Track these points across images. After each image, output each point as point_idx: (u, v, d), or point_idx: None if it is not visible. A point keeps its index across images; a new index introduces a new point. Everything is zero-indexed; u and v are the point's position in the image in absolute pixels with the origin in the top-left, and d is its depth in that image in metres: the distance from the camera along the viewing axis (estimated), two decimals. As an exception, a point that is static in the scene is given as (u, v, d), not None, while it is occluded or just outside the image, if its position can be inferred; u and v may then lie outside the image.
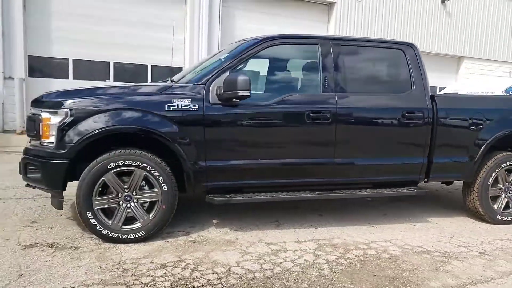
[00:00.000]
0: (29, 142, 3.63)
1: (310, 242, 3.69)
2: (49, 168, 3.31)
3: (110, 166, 3.32)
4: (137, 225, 3.46)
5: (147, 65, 11.22)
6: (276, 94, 3.80)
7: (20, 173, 3.63)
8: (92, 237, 3.51)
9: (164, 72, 11.25)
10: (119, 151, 3.35)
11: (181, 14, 11.49)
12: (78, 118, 3.29)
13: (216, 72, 3.61)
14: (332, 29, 13.55)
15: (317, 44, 3.93)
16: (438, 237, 4.03)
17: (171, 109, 3.44)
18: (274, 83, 4.23)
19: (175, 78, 4.26)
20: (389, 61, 4.29)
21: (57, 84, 9.34)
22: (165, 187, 3.44)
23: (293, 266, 3.18)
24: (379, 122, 4.00)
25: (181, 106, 3.46)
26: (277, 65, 4.20)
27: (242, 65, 3.74)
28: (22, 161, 3.52)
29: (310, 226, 4.12)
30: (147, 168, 3.39)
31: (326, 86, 3.83)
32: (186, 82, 3.75)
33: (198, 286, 2.78)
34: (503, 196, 4.55)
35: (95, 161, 3.30)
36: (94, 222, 3.34)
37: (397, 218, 4.57)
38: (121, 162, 3.34)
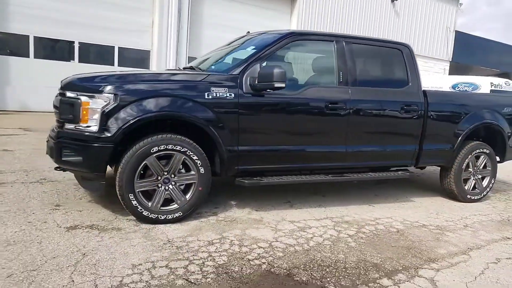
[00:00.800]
0: (59, 125, 3.63)
1: (327, 220, 4.12)
2: (93, 152, 3.37)
3: (153, 150, 3.46)
4: (174, 206, 3.65)
5: (114, 46, 10.92)
6: (298, 86, 4.13)
7: (52, 156, 3.64)
8: (127, 219, 3.65)
9: (132, 54, 11.06)
10: (161, 135, 3.50)
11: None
12: (124, 103, 3.38)
13: (249, 63, 3.86)
14: (294, 21, 14.06)
15: (333, 41, 4.33)
16: (427, 213, 4.66)
17: (210, 97, 3.65)
18: (295, 75, 4.55)
19: (193, 65, 4.42)
20: (389, 59, 4.79)
21: (16, 63, 8.84)
22: (202, 170, 3.66)
23: (323, 240, 3.58)
24: (383, 113, 4.51)
25: (219, 95, 3.68)
26: (298, 58, 4.52)
27: (270, 57, 4.01)
28: (56, 144, 3.51)
29: (319, 206, 4.55)
30: (187, 152, 3.58)
31: (341, 80, 4.25)
32: (217, 71, 3.96)
33: (251, 259, 3.09)
34: (472, 178, 5.30)
35: (138, 145, 3.43)
36: (136, 204, 3.48)
37: (387, 198, 5.16)
38: (164, 147, 3.50)
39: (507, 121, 5.38)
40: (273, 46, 4.02)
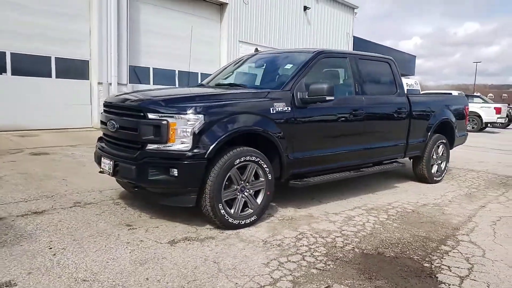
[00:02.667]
0: (136, 146, 3.75)
1: (358, 209, 4.88)
2: (188, 169, 3.60)
3: (236, 162, 3.83)
4: (249, 211, 4.05)
5: (50, 57, 10.19)
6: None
7: (129, 178, 3.75)
8: (207, 228, 3.94)
9: (70, 65, 10.48)
10: (240, 148, 3.88)
11: (84, 3, 10.77)
12: (211, 122, 3.69)
13: (296, 80, 4.42)
14: (225, 28, 14.61)
15: (346, 58, 5.10)
16: (417, 196, 5.72)
17: (274, 112, 4.13)
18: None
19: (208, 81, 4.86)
20: (382, 70, 5.72)
21: None
22: (269, 176, 4.13)
23: (373, 225, 4.33)
24: (385, 116, 5.44)
25: (280, 109, 4.18)
26: (326, 72, 5.15)
27: (308, 72, 4.61)
28: (142, 165, 3.64)
29: (339, 199, 5.28)
30: (259, 162, 4.02)
31: (357, 90, 5.04)
32: (269, 88, 4.44)
33: (342, 246, 3.68)
34: (435, 164, 6.58)
35: (223, 159, 3.76)
36: (223, 213, 3.81)
37: (379, 187, 6.13)
38: (243, 158, 3.88)
39: (455, 116, 6.76)
40: (310, 63, 4.63)
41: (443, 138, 6.57)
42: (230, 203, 3.92)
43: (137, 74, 12.19)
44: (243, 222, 3.96)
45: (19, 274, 2.82)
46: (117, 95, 4.49)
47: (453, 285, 3.00)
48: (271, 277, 3.00)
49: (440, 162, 6.66)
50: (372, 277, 3.08)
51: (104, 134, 4.42)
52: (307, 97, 4.33)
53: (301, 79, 4.43)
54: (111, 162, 3.96)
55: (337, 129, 4.84)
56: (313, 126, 4.55)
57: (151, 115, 3.69)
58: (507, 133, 19.79)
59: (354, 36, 21.84)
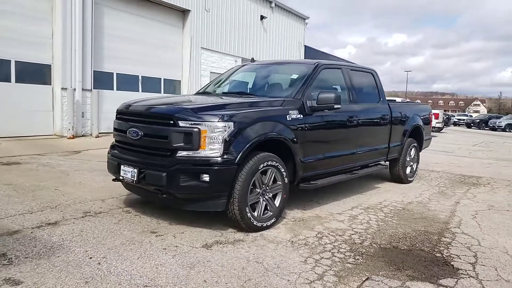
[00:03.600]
0: (164, 153, 3.81)
1: (356, 209, 5.24)
2: (220, 174, 3.73)
3: (260, 167, 4.02)
4: (269, 213, 4.24)
5: (10, 60, 9.59)
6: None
7: (162, 185, 3.79)
8: (231, 231, 4.08)
9: (31, 69, 9.96)
10: (263, 154, 4.08)
11: (46, 4, 10.28)
12: (240, 129, 3.85)
13: (305, 89, 4.70)
14: (187, 34, 14.60)
15: (340, 69, 5.48)
16: (400, 195, 6.23)
17: (289, 119, 4.38)
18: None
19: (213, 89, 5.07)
20: (368, 80, 6.17)
21: None
22: (286, 180, 4.36)
23: (376, 222, 4.71)
24: (373, 122, 5.89)
25: (294, 117, 4.44)
26: (324, 82, 5.46)
27: (313, 82, 4.91)
28: (173, 173, 3.71)
29: (334, 200, 5.63)
30: (278, 166, 4.24)
31: (351, 99, 5.44)
32: (281, 96, 4.67)
33: (360, 242, 4.00)
34: (408, 165, 7.17)
35: (249, 164, 3.93)
36: (250, 216, 3.98)
37: (363, 188, 6.57)
38: (266, 163, 4.08)
39: (423, 121, 7.43)
40: (314, 74, 4.94)
41: (414, 142, 7.19)
42: (252, 206, 4.09)
43: (101, 79, 11.82)
44: (265, 225, 4.15)
45: (77, 284, 2.80)
46: (133, 103, 4.48)
47: (468, 270, 3.41)
48: (315, 272, 3.22)
49: (412, 164, 7.27)
50: (400, 268, 3.42)
51: (119, 141, 4.39)
52: (316, 105, 4.63)
53: (308, 88, 4.73)
54: (135, 169, 3.97)
55: (337, 134, 5.19)
56: (319, 132, 4.85)
57: (182, 123, 3.77)
58: (443, 136, 21.66)
59: (305, 46, 22.69)
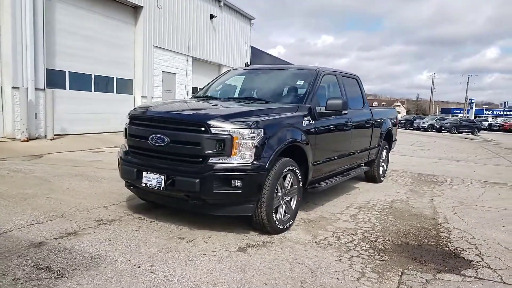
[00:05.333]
0: (202, 159, 3.83)
1: (351, 208, 5.58)
2: (252, 180, 3.82)
3: (283, 172, 4.19)
4: (287, 216, 4.42)
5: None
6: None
7: (195, 191, 3.79)
8: (255, 234, 4.20)
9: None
10: (285, 159, 4.24)
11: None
12: (268, 135, 3.98)
13: (313, 95, 4.94)
14: (140, 32, 14.14)
15: (335, 75, 5.80)
16: (381, 194, 6.71)
17: (304, 125, 4.58)
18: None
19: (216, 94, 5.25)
20: (354, 86, 6.55)
21: None
22: (301, 184, 4.57)
23: (376, 220, 5.07)
24: (361, 125, 6.28)
25: (307, 122, 4.65)
26: (324, 86, 5.69)
27: (318, 88, 5.15)
28: (206, 179, 3.72)
29: (327, 200, 5.94)
30: (295, 171, 4.42)
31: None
32: (291, 102, 4.86)
33: (373, 240, 4.32)
34: (381, 165, 7.72)
35: (275, 169, 4.07)
36: (274, 220, 4.13)
37: (344, 188, 6.96)
38: (288, 168, 4.25)
39: (392, 124, 8.03)
40: (317, 80, 5.19)
41: (386, 143, 7.76)
42: (275, 210, 4.22)
43: (53, 78, 11.10)
44: (285, 227, 4.31)
45: (145, 294, 2.78)
46: (150, 108, 4.39)
47: (479, 261, 3.85)
48: (355, 270, 3.46)
49: (383, 164, 7.83)
50: (423, 262, 3.77)
51: (137, 147, 4.28)
52: (324, 110, 4.88)
53: (315, 94, 4.97)
54: (162, 176, 3.92)
55: (337, 138, 5.49)
56: (325, 137, 5.10)
57: (214, 130, 3.80)
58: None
59: (251, 46, 23.01)
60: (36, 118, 10.31)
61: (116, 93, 13.87)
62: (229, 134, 3.79)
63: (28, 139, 9.81)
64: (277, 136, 4.09)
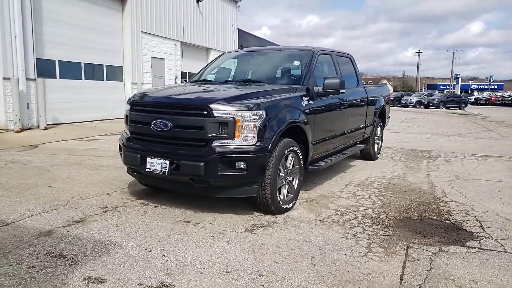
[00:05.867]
0: (206, 142, 3.84)
1: (350, 186, 5.66)
2: (256, 161, 3.85)
3: (285, 152, 4.22)
4: (290, 196, 4.48)
5: None
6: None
7: (200, 175, 3.82)
8: (260, 215, 4.26)
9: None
10: (286, 140, 4.27)
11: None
12: (270, 117, 3.99)
13: (310, 76, 4.95)
14: (127, 18, 13.91)
15: (330, 54, 5.80)
16: (377, 171, 6.80)
17: (303, 105, 4.61)
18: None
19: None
20: (348, 65, 6.56)
21: None
22: (302, 163, 4.62)
23: (376, 196, 5.15)
24: (357, 104, 6.33)
25: (306, 103, 4.67)
26: (320, 66, 5.69)
27: (315, 68, 5.17)
28: (210, 162, 3.75)
29: (325, 179, 6.01)
30: (297, 151, 4.47)
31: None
32: (289, 83, 4.87)
33: (376, 216, 4.40)
34: (375, 143, 7.81)
35: (277, 150, 4.10)
36: (278, 200, 4.18)
37: (340, 167, 7.03)
38: (289, 148, 4.29)
39: (385, 102, 8.09)
40: (314, 60, 5.20)
41: (380, 121, 7.83)
42: (278, 190, 4.27)
43: (43, 67, 10.91)
44: (289, 207, 4.37)
45: (160, 276, 2.82)
46: (149, 94, 4.38)
47: (481, 232, 3.94)
48: (362, 246, 3.54)
49: (378, 141, 7.92)
50: (426, 235, 3.86)
51: (139, 133, 4.28)
52: (322, 90, 4.90)
53: (312, 74, 4.98)
54: (166, 161, 3.94)
55: (335, 117, 5.53)
56: (324, 116, 5.14)
57: (217, 113, 3.81)
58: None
59: (238, 29, 22.77)
60: (28, 108, 10.17)
61: (107, 80, 13.71)
62: (231, 117, 3.80)
63: (21, 130, 9.70)
64: (278, 117, 4.11)
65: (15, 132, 9.52)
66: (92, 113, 12.76)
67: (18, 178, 5.47)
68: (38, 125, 10.36)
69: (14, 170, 5.97)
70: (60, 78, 11.60)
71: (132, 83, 14.59)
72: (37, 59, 10.50)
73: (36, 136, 9.38)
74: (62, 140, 9.16)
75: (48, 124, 10.53)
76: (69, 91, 11.88)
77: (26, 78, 9.96)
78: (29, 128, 10.19)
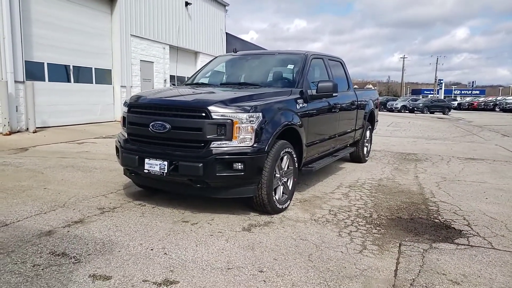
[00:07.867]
0: (204, 144, 3.92)
1: (342, 188, 5.80)
2: (253, 162, 3.95)
3: (281, 154, 4.33)
4: (285, 196, 4.59)
5: None
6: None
7: (198, 175, 3.90)
8: (256, 215, 4.35)
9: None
10: (282, 141, 4.38)
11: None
12: (267, 119, 4.11)
13: (304, 79, 5.08)
14: (116, 21, 13.89)
15: (322, 58, 5.95)
16: (367, 173, 6.97)
17: (298, 107, 4.73)
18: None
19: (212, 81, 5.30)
20: (339, 69, 6.72)
21: None
22: (296, 165, 4.74)
23: (367, 197, 5.30)
24: (348, 107, 6.48)
25: (300, 106, 4.80)
26: (313, 69, 5.82)
27: (308, 72, 5.30)
28: (208, 163, 3.83)
29: (317, 181, 6.14)
30: (291, 153, 4.58)
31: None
32: (284, 86, 4.98)
33: (368, 216, 4.54)
34: (365, 146, 7.98)
35: (273, 151, 4.21)
36: (274, 200, 4.29)
37: (331, 169, 7.18)
38: (285, 150, 4.40)
39: (374, 106, 8.28)
40: (307, 64, 5.33)
41: (369, 124, 8.01)
42: (274, 191, 4.38)
43: (32, 70, 10.84)
44: (284, 207, 4.48)
45: (164, 273, 2.89)
46: (147, 96, 4.44)
47: (468, 230, 4.12)
48: (357, 244, 3.66)
49: (367, 144, 8.10)
50: (417, 234, 4.01)
51: (137, 135, 4.34)
52: (315, 93, 5.04)
53: (306, 78, 5.12)
54: (165, 162, 4.01)
55: (327, 120, 5.67)
56: (317, 119, 5.27)
57: (215, 115, 3.90)
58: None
59: (226, 33, 22.91)
60: (17, 111, 10.10)
61: (95, 83, 13.66)
62: (229, 119, 3.90)
63: (10, 133, 9.62)
64: (274, 119, 4.22)
65: (4, 135, 9.45)
66: (81, 116, 12.70)
67: (12, 181, 5.47)
68: (27, 128, 10.28)
69: (7, 173, 5.96)
70: (49, 81, 11.53)
71: (121, 86, 14.57)
72: (25, 61, 10.44)
73: (26, 139, 9.32)
74: (52, 144, 9.11)
75: (37, 127, 10.46)
76: (58, 94, 11.82)
77: (14, 81, 9.90)
78: (18, 131, 10.11)
